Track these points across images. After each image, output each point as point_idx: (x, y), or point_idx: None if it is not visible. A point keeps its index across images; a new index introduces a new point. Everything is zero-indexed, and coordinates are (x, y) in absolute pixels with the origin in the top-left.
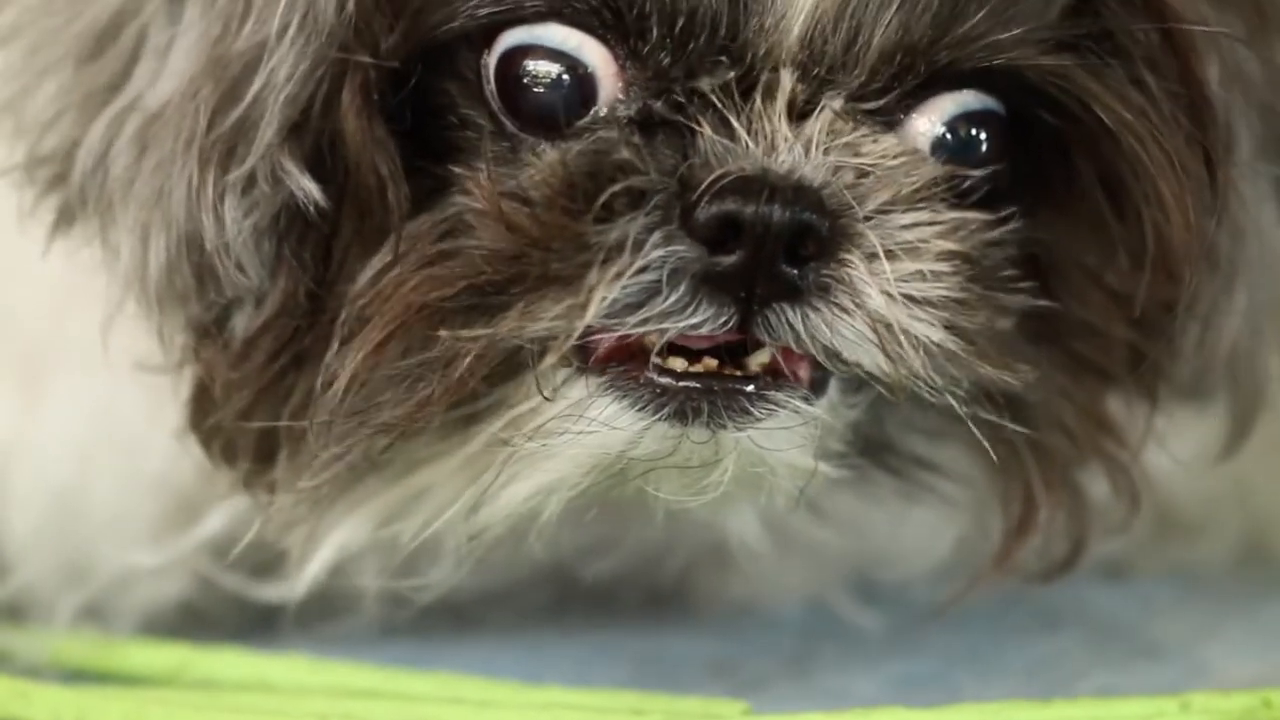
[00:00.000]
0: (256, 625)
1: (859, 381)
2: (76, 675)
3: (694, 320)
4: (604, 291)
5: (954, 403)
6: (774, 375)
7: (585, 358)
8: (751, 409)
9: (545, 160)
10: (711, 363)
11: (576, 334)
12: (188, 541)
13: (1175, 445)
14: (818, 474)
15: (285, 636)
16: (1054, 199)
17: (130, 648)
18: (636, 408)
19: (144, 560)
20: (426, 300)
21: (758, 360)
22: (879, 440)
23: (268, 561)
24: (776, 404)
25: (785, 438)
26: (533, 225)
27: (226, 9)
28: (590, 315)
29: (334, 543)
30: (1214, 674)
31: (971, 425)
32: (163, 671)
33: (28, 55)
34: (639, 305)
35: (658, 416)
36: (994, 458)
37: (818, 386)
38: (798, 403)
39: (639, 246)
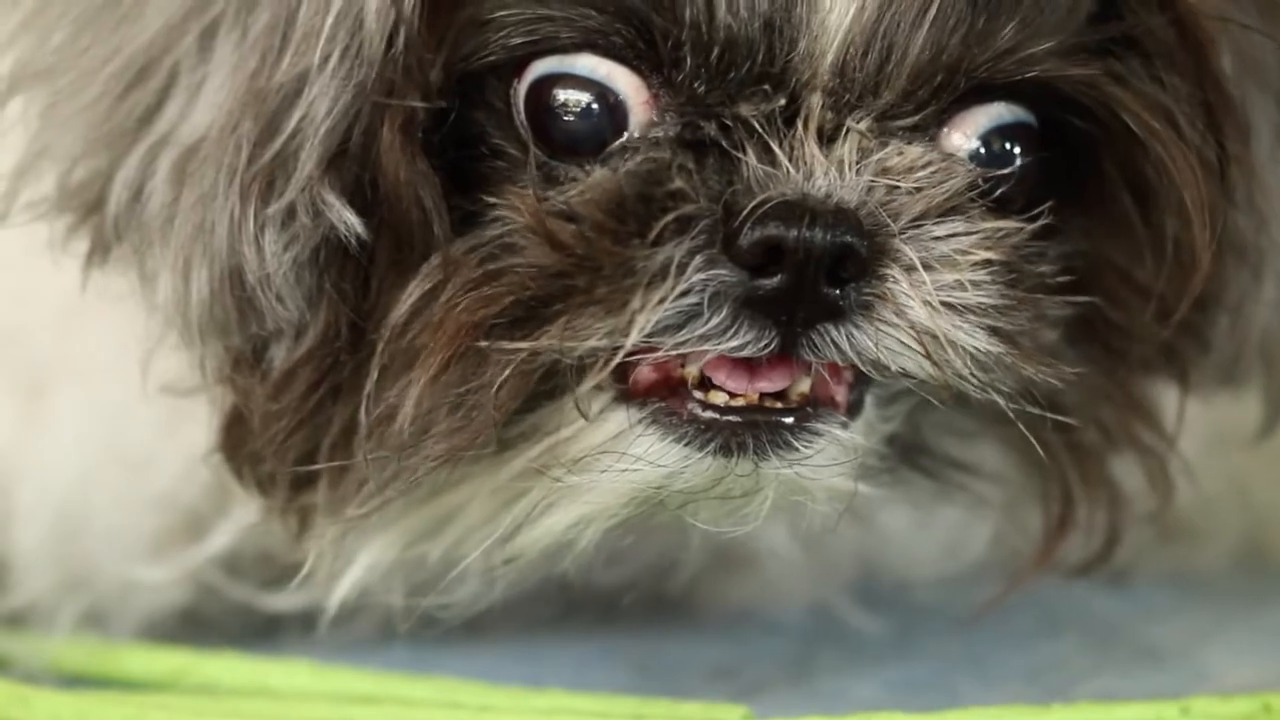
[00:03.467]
0: (257, 630)
1: (894, 394)
2: (76, 680)
3: (734, 343)
4: (647, 315)
5: (999, 400)
6: (814, 404)
7: (624, 385)
8: (794, 440)
9: (593, 179)
10: (753, 396)
11: (619, 357)
12: (193, 556)
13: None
14: (857, 494)
15: (285, 642)
16: (1083, 202)
17: (130, 653)
18: (681, 442)
19: (148, 575)
20: (475, 320)
21: (797, 390)
22: (914, 444)
23: (275, 572)
24: (817, 433)
25: (825, 463)
26: (578, 243)
27: (263, 42)
28: (633, 338)
29: (364, 562)
30: (1214, 679)
31: (1018, 424)
32: (162, 677)
33: (60, 97)
34: (679, 327)
35: (702, 451)
36: (1036, 454)
37: (854, 408)
38: (837, 430)
39: (682, 270)
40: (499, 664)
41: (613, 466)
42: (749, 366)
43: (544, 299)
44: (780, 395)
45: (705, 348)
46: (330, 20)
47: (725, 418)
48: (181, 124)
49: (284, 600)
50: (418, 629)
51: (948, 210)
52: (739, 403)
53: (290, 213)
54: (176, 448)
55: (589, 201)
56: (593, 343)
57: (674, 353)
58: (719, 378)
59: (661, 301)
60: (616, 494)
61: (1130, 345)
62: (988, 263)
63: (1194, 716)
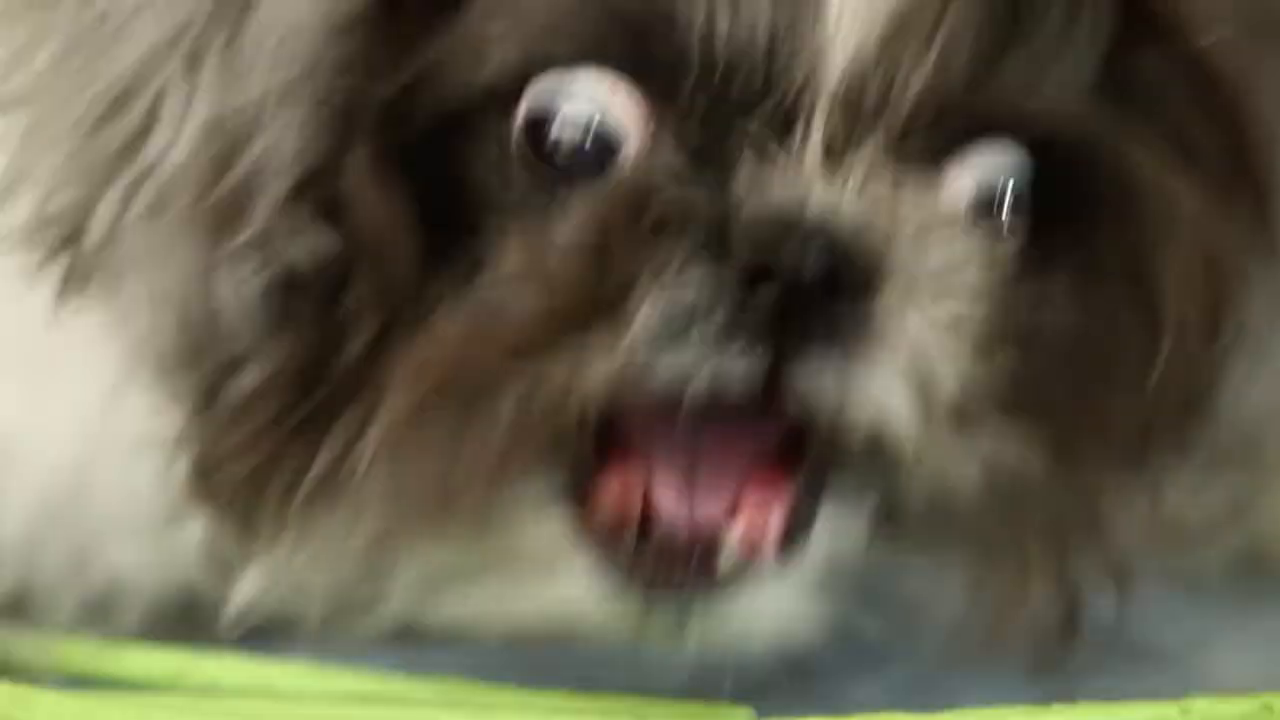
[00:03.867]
0: (258, 630)
1: (848, 496)
2: (78, 681)
3: (732, 353)
4: (645, 318)
5: (960, 480)
6: (748, 549)
7: (580, 513)
8: (721, 590)
9: (578, 211)
10: (684, 545)
11: (617, 376)
12: (178, 542)
13: None
14: (800, 614)
15: (286, 642)
16: (1077, 270)
17: (131, 652)
18: (611, 573)
19: (144, 556)
20: (466, 362)
21: (732, 538)
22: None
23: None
24: (746, 581)
25: (755, 606)
26: (569, 282)
27: (230, 65)
28: (637, 347)
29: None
30: (1214, 680)
31: (972, 517)
32: (163, 677)
33: (40, 123)
34: (681, 333)
35: (627, 587)
36: (985, 540)
37: (793, 542)
38: (767, 576)
39: (675, 284)
40: (500, 663)
41: (537, 581)
42: (692, 490)
43: (541, 345)
44: (712, 545)
45: (704, 361)
46: (285, 44)
47: (658, 557)
48: (167, 153)
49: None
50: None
51: (947, 258)
52: (675, 543)
53: (255, 243)
54: (164, 427)
55: (580, 229)
56: (597, 368)
57: (666, 386)
58: (661, 499)
59: (652, 312)
60: (532, 606)
61: (1102, 429)
62: (976, 314)
63: (1194, 717)
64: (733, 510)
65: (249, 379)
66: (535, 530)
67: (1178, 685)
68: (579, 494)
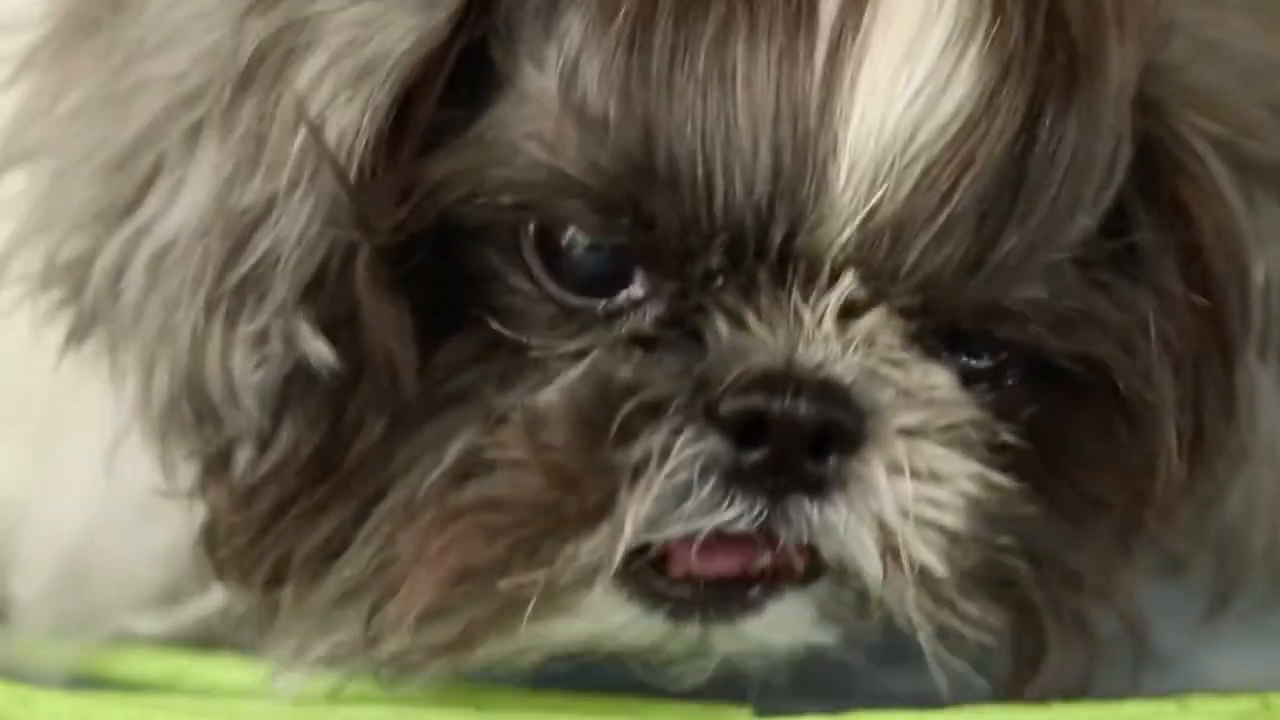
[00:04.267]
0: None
1: None
2: (77, 681)
3: (727, 516)
4: (636, 508)
5: (926, 645)
6: (772, 576)
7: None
8: (746, 612)
9: (556, 387)
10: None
11: (618, 557)
12: (197, 609)
13: None
14: (814, 644)
15: None
16: (1066, 387)
17: (129, 654)
18: (631, 601)
19: (151, 626)
20: (474, 562)
21: (756, 565)
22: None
23: None
24: (770, 604)
25: (778, 628)
26: (563, 465)
27: (238, 150)
28: (628, 535)
29: (321, 650)
30: (1213, 679)
31: (931, 660)
32: (162, 678)
33: (56, 173)
34: (673, 509)
35: (651, 615)
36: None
37: (814, 574)
38: (790, 598)
39: (665, 454)
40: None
41: (564, 615)
42: (710, 549)
43: (545, 529)
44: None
45: (700, 525)
46: (296, 148)
47: (675, 591)
48: (160, 218)
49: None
50: None
51: (947, 435)
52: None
53: (262, 337)
54: (177, 504)
55: (557, 409)
56: (595, 551)
57: (672, 538)
58: (681, 557)
59: (649, 489)
60: (563, 634)
61: (1103, 515)
62: (966, 495)
63: (1193, 714)
64: (759, 556)
65: (259, 463)
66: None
67: (1178, 682)
68: None
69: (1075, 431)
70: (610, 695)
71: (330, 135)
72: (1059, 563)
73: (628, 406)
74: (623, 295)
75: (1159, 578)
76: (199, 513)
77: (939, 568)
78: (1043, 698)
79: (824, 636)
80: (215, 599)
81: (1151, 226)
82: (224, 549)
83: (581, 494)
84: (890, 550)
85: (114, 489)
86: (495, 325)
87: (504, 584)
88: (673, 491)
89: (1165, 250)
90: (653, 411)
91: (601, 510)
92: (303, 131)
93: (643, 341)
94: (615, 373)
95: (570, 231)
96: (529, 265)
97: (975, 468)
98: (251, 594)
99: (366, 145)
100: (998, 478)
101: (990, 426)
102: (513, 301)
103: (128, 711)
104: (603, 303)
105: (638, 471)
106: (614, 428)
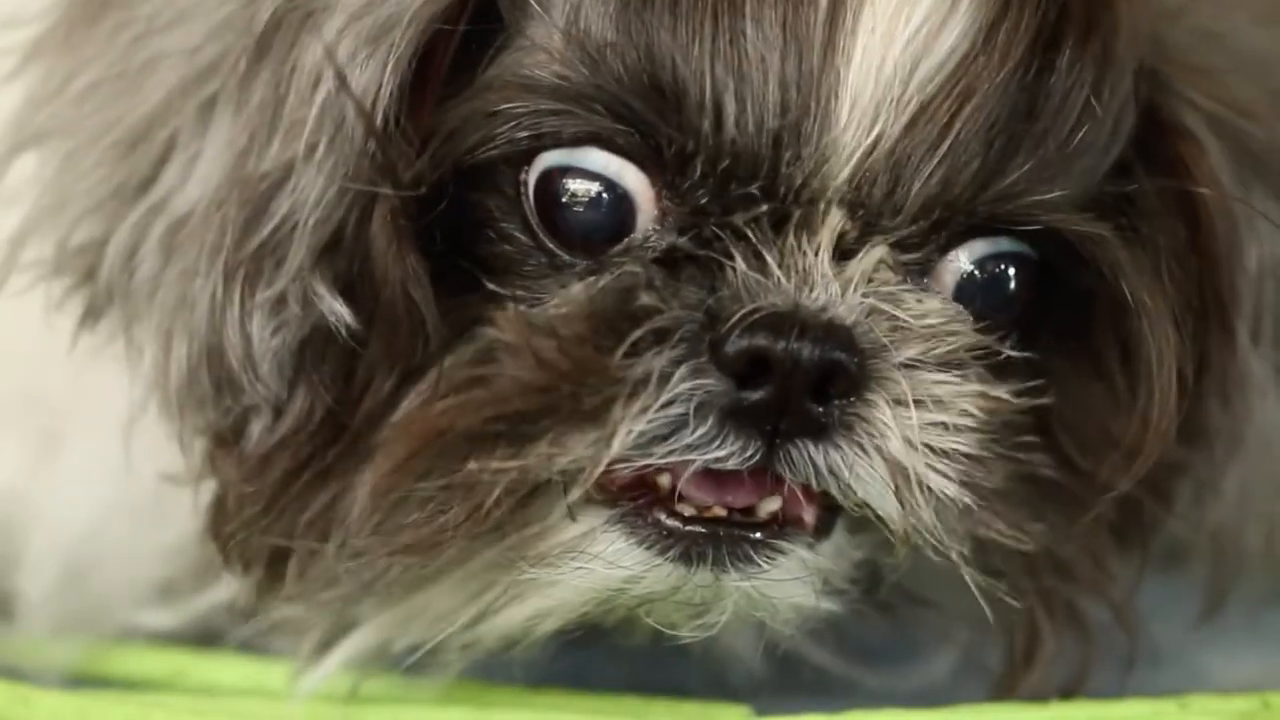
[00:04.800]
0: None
1: (865, 522)
2: (77, 680)
3: (720, 453)
4: (629, 425)
5: (958, 563)
6: (781, 523)
7: (603, 487)
8: (756, 557)
9: (572, 295)
10: (720, 510)
11: (601, 467)
12: (200, 604)
13: None
14: (818, 611)
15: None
16: (1072, 353)
17: (130, 653)
18: (643, 547)
19: (154, 621)
20: (453, 426)
21: (767, 508)
22: (876, 575)
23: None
24: (782, 552)
25: (787, 581)
26: (561, 359)
27: (254, 120)
28: (615, 450)
29: (342, 652)
30: (1213, 678)
31: (972, 585)
32: (162, 676)
33: (65, 160)
34: (665, 438)
35: (663, 558)
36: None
37: (823, 530)
38: (801, 550)
39: (665, 380)
40: (500, 663)
41: (576, 565)
42: (719, 480)
43: (529, 415)
44: (749, 510)
45: (690, 458)
46: (315, 110)
47: (689, 528)
48: (175, 194)
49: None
50: None
51: (948, 361)
52: (708, 514)
53: (280, 301)
54: (185, 501)
55: (567, 317)
56: (577, 453)
57: (659, 463)
58: (688, 489)
59: (644, 411)
60: (578, 591)
61: (1095, 498)
62: (977, 414)
63: (1193, 713)
64: (768, 493)
65: (273, 430)
66: (559, 525)
67: (1177, 681)
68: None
69: (1074, 402)
70: (610, 695)
71: (354, 92)
72: (1052, 554)
73: (643, 327)
74: (622, 244)
75: (1158, 577)
76: (205, 494)
77: (957, 493)
78: (1037, 692)
79: (830, 603)
80: (218, 594)
81: (1152, 180)
82: (233, 523)
83: (576, 392)
84: (904, 485)
85: (119, 485)
86: (487, 281)
87: (474, 464)
88: (666, 421)
89: (1164, 204)
90: (661, 336)
91: (593, 416)
92: (322, 94)
93: (668, 265)
94: (637, 289)
95: (571, 185)
96: (528, 217)
97: (977, 387)
98: (255, 574)
99: (390, 98)
100: (1001, 391)
101: (991, 347)
102: (508, 255)
103: (127, 710)
104: (586, 262)
105: (635, 390)
106: (625, 341)
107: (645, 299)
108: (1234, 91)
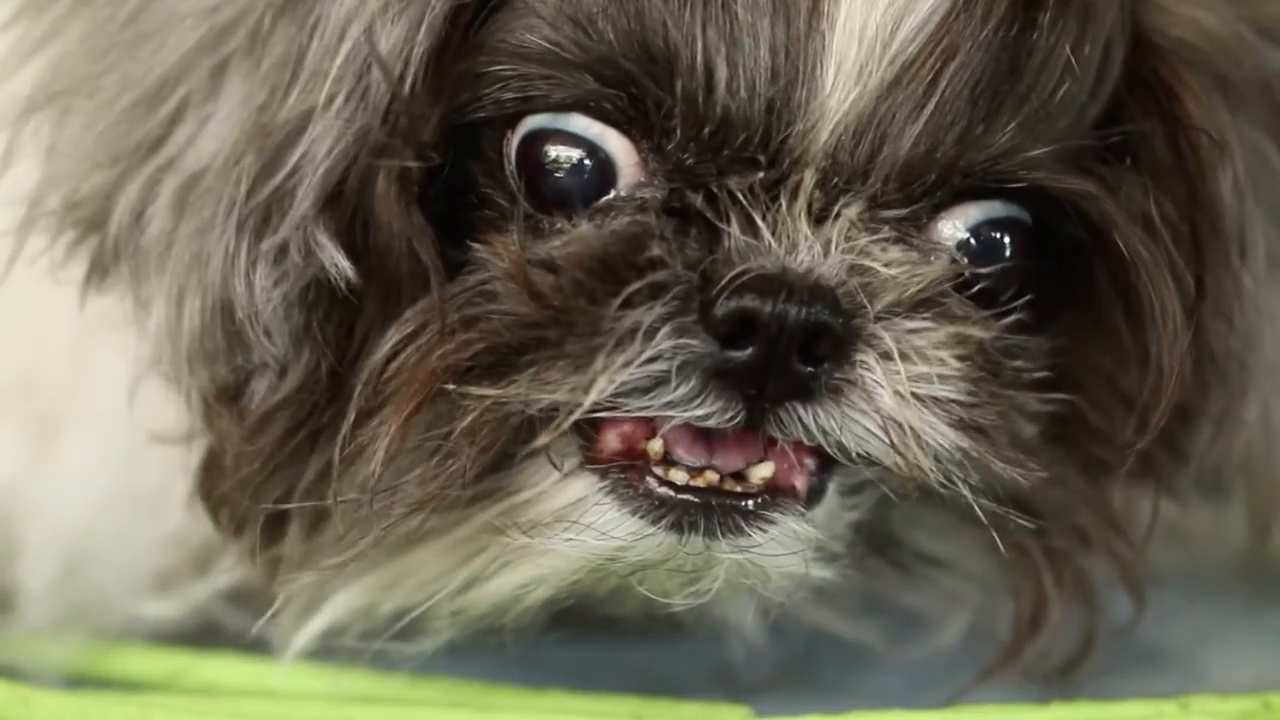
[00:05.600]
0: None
1: (860, 483)
2: (77, 681)
3: (700, 412)
4: (611, 375)
5: (965, 494)
6: (773, 491)
7: (589, 452)
8: (747, 526)
9: (578, 233)
10: (712, 477)
11: (579, 412)
12: (199, 592)
13: None
14: (810, 578)
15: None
16: (1072, 301)
17: (129, 654)
18: (635, 515)
19: (153, 610)
20: (448, 364)
21: (759, 474)
22: (882, 535)
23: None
24: (772, 521)
25: (779, 549)
26: (554, 295)
27: (273, 77)
28: (592, 397)
29: (327, 614)
30: (1214, 679)
31: (983, 517)
32: (161, 677)
33: (76, 121)
34: (646, 391)
35: (655, 526)
36: (1004, 554)
37: (815, 495)
38: (792, 519)
39: (651, 335)
40: (500, 664)
41: (568, 533)
42: (710, 441)
43: (516, 348)
44: (741, 477)
45: (670, 414)
46: (338, 62)
47: (681, 496)
48: (187, 151)
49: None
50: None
51: (921, 303)
52: (698, 482)
53: (283, 250)
54: (184, 489)
55: (570, 255)
56: (556, 396)
57: (637, 415)
58: (679, 450)
59: (626, 365)
60: (569, 559)
61: (1109, 451)
62: (961, 357)
63: (1193, 714)
64: (759, 457)
65: (277, 388)
66: (549, 491)
67: (1178, 683)
68: (586, 446)
69: (1080, 361)
70: (610, 695)
71: (381, 49)
72: (1059, 516)
73: (644, 279)
74: (601, 201)
75: (1159, 579)
76: (196, 454)
77: (954, 438)
78: (1044, 657)
79: (823, 570)
80: (218, 582)
81: (1141, 113)
82: (229, 482)
83: (563, 334)
84: (899, 437)
85: (118, 474)
86: (470, 242)
87: (468, 391)
88: (648, 376)
89: (1154, 133)
90: (656, 291)
91: (577, 360)
92: (347, 46)
93: (676, 218)
94: (648, 239)
95: (553, 150)
96: (509, 180)
97: (954, 328)
98: (250, 538)
99: (419, 60)
100: (978, 330)
101: (966, 275)
102: (488, 218)
103: (127, 711)
104: (566, 221)
105: (621, 342)
106: (624, 291)
107: (656, 250)
108: (1212, 22)
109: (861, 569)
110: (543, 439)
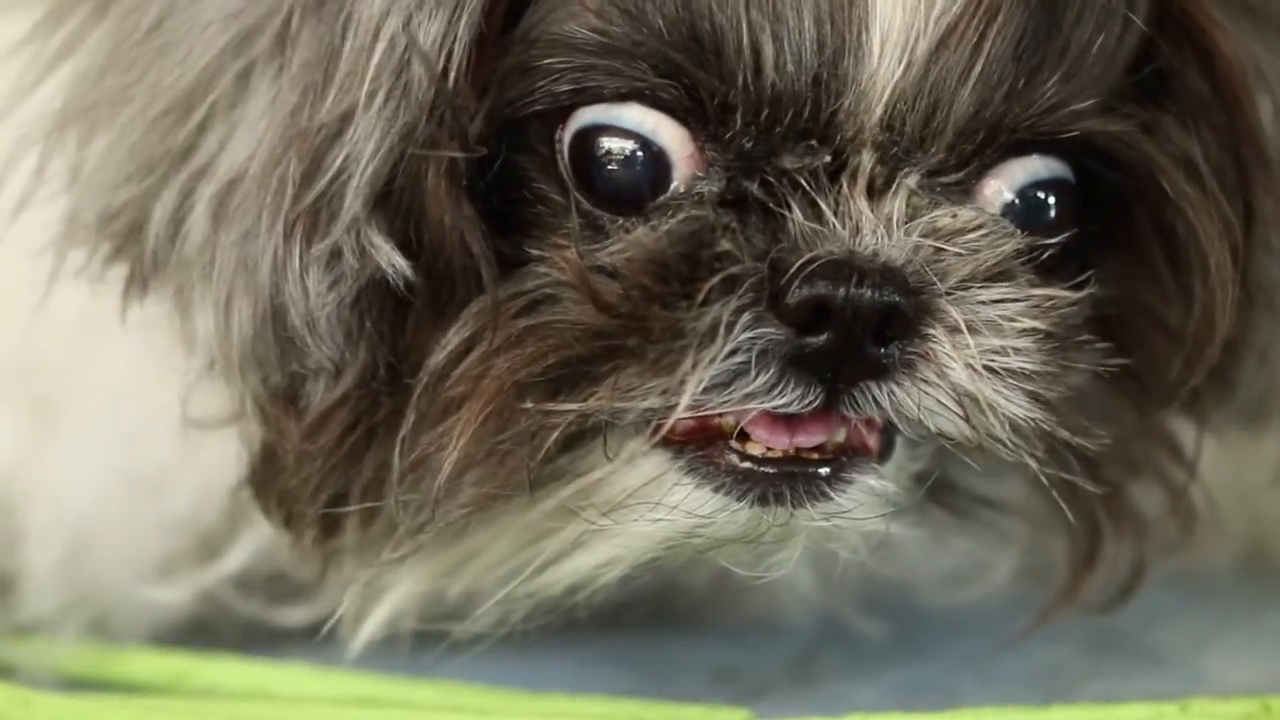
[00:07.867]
0: (260, 636)
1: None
2: (77, 684)
3: (780, 400)
4: (699, 375)
5: (1031, 463)
6: (848, 452)
7: (664, 434)
8: (829, 490)
9: (634, 237)
10: (790, 446)
11: (674, 417)
12: (206, 577)
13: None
14: (887, 534)
15: (287, 645)
16: (1116, 244)
17: (131, 656)
18: (718, 491)
19: (158, 595)
20: (518, 378)
21: (833, 441)
22: (940, 480)
23: (285, 588)
24: (851, 482)
25: (859, 510)
26: (622, 302)
27: (304, 78)
28: (686, 399)
29: (390, 602)
30: (1214, 682)
31: (1044, 480)
32: (163, 680)
33: (107, 134)
34: (727, 385)
35: (740, 501)
36: (1062, 490)
37: (885, 452)
38: (870, 478)
39: (730, 329)
40: (500, 667)
41: (647, 511)
42: (787, 421)
43: (589, 358)
44: (817, 445)
45: (751, 405)
46: (376, 59)
47: (762, 469)
48: (219, 158)
49: (293, 615)
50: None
51: (995, 275)
52: (775, 453)
53: (336, 253)
54: (193, 472)
55: (632, 261)
56: (647, 403)
57: (721, 410)
58: (758, 433)
59: (712, 361)
60: (648, 538)
61: (1158, 385)
62: (1032, 329)
63: (1193, 716)
64: (834, 431)
65: (334, 387)
66: (622, 470)
67: (1178, 685)
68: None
69: (1126, 302)
70: (610, 696)
71: (422, 42)
72: (1117, 448)
73: (717, 275)
74: (659, 200)
75: (1159, 581)
76: (249, 450)
77: (1027, 409)
78: (1100, 594)
79: (897, 525)
80: (225, 567)
81: (1174, 50)
82: (290, 479)
83: (642, 341)
84: (973, 410)
85: (120, 456)
86: (524, 240)
87: (548, 407)
88: (729, 370)
89: (1189, 70)
90: (730, 285)
91: (660, 365)
92: (383, 44)
93: (734, 209)
94: (711, 235)
95: (607, 143)
96: (562, 175)
97: (1029, 295)
98: (303, 533)
99: (461, 52)
100: (1053, 290)
101: (1037, 248)
102: (541, 215)
103: (128, 713)
104: (623, 220)
105: (704, 341)
106: (701, 290)
107: (720, 241)
108: None
109: (919, 513)
110: (634, 443)
